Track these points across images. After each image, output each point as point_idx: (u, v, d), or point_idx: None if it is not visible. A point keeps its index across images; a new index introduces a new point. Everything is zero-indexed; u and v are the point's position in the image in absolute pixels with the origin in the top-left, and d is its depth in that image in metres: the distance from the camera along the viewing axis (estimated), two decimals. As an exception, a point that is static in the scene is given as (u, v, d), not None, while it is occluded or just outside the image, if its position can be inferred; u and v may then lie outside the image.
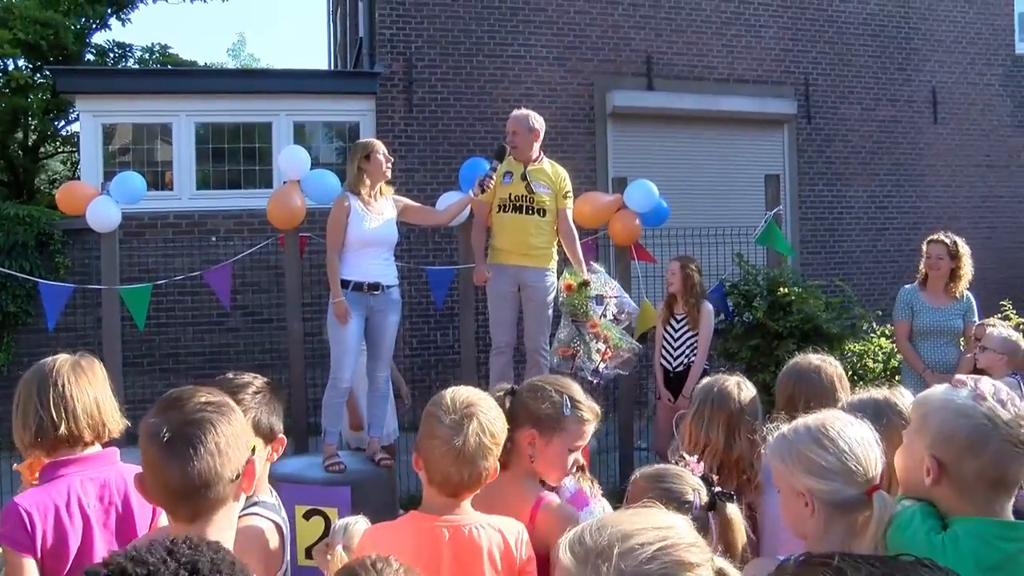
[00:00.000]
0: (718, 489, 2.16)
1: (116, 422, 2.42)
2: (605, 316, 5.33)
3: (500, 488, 2.23)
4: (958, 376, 1.84)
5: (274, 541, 2.09)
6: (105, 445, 2.41)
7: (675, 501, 2.04)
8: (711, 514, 2.09)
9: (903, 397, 2.24)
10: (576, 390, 2.44)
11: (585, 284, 5.38)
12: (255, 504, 2.14)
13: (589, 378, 5.28)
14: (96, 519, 2.24)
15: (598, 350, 5.22)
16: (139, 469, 2.46)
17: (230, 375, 2.29)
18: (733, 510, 2.12)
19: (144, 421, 1.69)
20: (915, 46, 11.96)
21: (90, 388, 2.37)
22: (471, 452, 1.99)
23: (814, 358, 2.82)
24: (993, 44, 12.37)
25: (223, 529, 1.68)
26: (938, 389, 1.80)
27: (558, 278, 5.58)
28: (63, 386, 2.31)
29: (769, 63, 11.25)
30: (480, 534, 2.02)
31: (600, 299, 5.23)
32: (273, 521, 2.12)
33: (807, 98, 11.36)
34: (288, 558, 2.17)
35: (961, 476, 1.69)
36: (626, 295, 5.70)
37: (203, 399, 1.69)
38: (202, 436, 1.61)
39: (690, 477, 2.18)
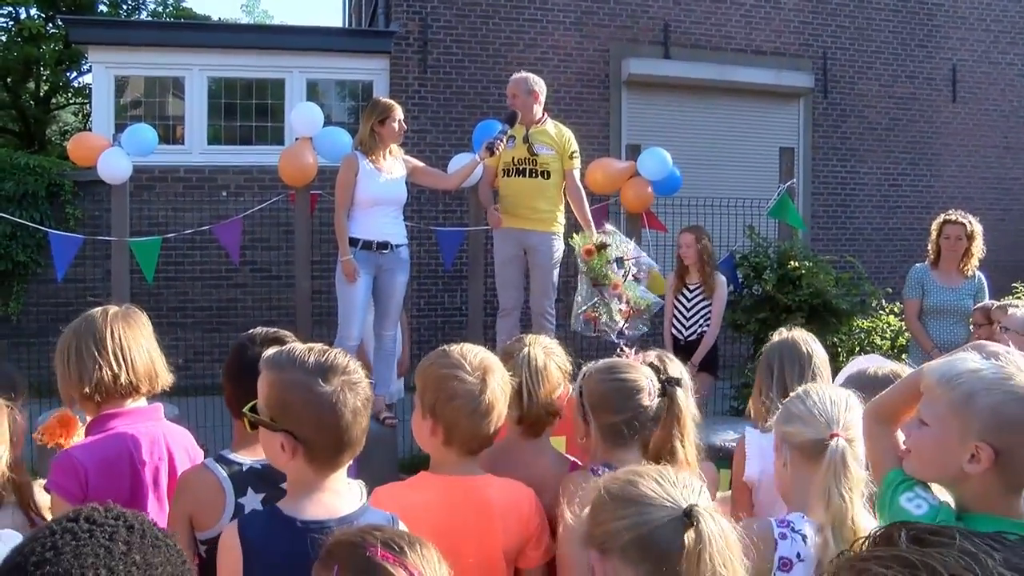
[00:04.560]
0: (666, 376, 2.21)
1: (166, 374, 2.42)
2: (627, 278, 5.31)
3: (533, 456, 2.24)
4: (977, 343, 1.79)
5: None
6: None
7: (632, 391, 2.12)
8: (662, 400, 2.14)
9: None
10: None
11: (603, 247, 5.31)
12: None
13: (615, 340, 5.27)
14: (146, 474, 2.23)
15: (620, 311, 5.21)
16: (179, 427, 2.47)
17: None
18: (681, 394, 2.17)
19: (315, 385, 1.76)
20: (937, 23, 11.79)
21: (142, 339, 2.37)
22: (497, 406, 2.01)
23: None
24: (1018, 23, 12.18)
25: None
26: (970, 364, 1.62)
27: (567, 242, 5.57)
28: (120, 336, 2.30)
29: (787, 35, 11.12)
30: (491, 493, 2.01)
31: (620, 261, 5.20)
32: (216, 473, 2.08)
33: (825, 72, 11.24)
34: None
35: (1012, 461, 1.54)
36: (643, 252, 5.65)
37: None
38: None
39: (640, 367, 2.21)
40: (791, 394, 2.10)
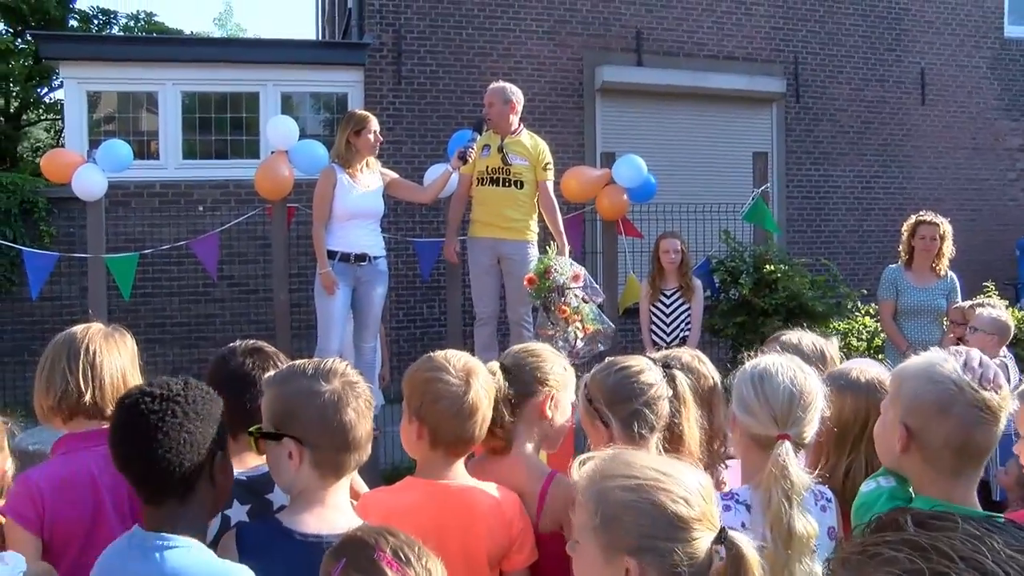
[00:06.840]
0: (664, 360, 2.26)
1: None
2: (570, 304, 5.22)
3: (508, 468, 2.23)
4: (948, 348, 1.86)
5: None
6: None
7: (637, 373, 2.11)
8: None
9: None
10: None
11: (547, 274, 5.07)
12: None
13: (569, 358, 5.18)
14: (108, 497, 2.17)
15: (576, 329, 5.17)
16: None
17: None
18: (681, 376, 2.20)
19: (317, 386, 1.82)
20: (905, 27, 11.95)
21: (119, 360, 2.33)
22: (481, 407, 2.04)
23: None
24: (983, 27, 12.37)
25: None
26: (916, 359, 1.78)
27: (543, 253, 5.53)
28: (94, 353, 2.27)
29: (759, 41, 11.23)
30: (476, 497, 2.03)
31: (561, 291, 5.11)
32: None
33: (796, 77, 11.35)
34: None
35: (928, 443, 1.68)
36: (594, 283, 5.41)
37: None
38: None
39: (635, 356, 2.22)
40: (748, 368, 2.00)
